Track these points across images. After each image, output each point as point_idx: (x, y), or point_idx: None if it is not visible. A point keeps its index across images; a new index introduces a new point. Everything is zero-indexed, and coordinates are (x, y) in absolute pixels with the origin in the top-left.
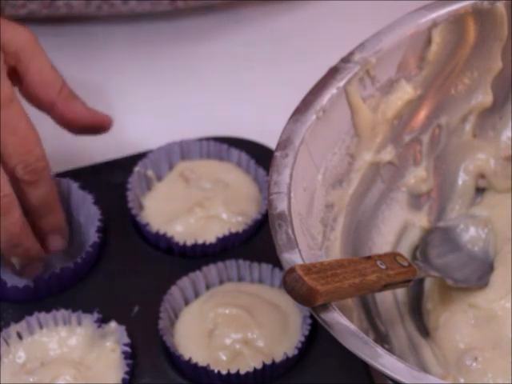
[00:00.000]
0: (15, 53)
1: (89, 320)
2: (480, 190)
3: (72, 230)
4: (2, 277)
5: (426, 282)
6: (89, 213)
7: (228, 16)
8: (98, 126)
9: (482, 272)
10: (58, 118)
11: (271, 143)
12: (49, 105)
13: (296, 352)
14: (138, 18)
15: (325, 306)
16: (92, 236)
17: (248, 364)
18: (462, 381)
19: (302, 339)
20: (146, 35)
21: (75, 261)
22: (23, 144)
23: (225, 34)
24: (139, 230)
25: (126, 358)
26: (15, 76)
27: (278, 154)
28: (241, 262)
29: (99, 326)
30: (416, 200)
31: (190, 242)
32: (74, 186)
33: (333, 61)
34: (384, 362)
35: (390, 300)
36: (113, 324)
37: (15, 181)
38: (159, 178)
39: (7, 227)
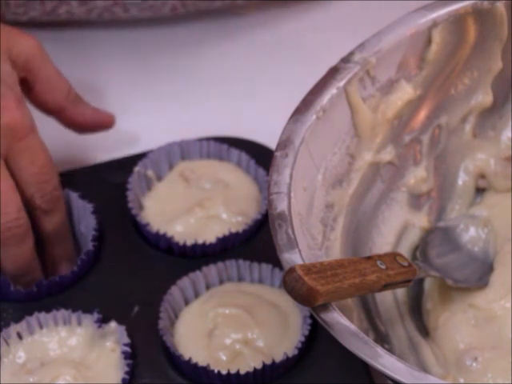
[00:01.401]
0: (25, 63)
1: (89, 320)
2: (480, 190)
3: (73, 239)
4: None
5: (425, 282)
6: (88, 222)
7: (228, 18)
8: (102, 125)
9: (481, 272)
10: (66, 122)
11: (271, 143)
12: (58, 110)
13: (296, 352)
14: (139, 22)
15: (325, 306)
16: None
17: (248, 364)
18: (461, 381)
19: (302, 339)
20: (147, 37)
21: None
22: (41, 173)
23: (225, 35)
24: (139, 230)
25: (126, 358)
26: (24, 85)
27: (278, 153)
28: (241, 262)
29: (99, 326)
30: (416, 200)
31: (190, 242)
32: (74, 196)
33: (333, 61)
34: (384, 362)
35: (389, 300)
36: (113, 324)
37: (30, 209)
38: (159, 178)
39: (20, 255)
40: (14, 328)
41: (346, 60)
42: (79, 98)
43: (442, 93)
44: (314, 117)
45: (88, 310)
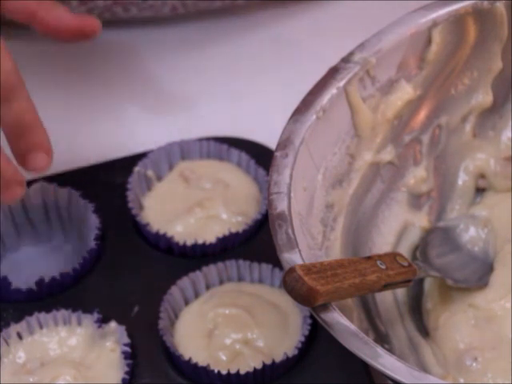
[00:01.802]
0: None
1: (89, 320)
2: (480, 190)
3: (74, 238)
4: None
5: (425, 282)
6: (90, 221)
7: (228, 18)
8: (85, 31)
9: (482, 272)
10: (42, 28)
11: (271, 143)
12: (30, 15)
13: (296, 352)
14: (139, 22)
15: (325, 306)
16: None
17: (248, 364)
18: (461, 381)
19: (302, 339)
20: (147, 37)
21: (73, 267)
22: None
23: (225, 35)
24: (139, 230)
25: (126, 357)
26: None
27: (278, 153)
28: (241, 262)
29: (99, 326)
30: (416, 200)
31: (190, 242)
32: (75, 194)
33: (333, 61)
34: (384, 362)
35: (390, 300)
36: (113, 324)
37: None
38: (159, 178)
39: None
40: (13, 328)
41: (346, 60)
42: (55, 3)
43: (442, 93)
44: (314, 117)
45: (88, 310)
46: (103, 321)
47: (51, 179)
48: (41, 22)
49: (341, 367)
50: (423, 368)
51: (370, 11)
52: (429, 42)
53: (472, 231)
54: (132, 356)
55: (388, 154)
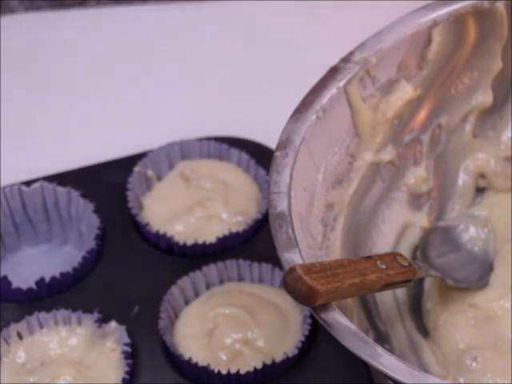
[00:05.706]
0: None
1: (89, 320)
2: (480, 190)
3: (74, 238)
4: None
5: (425, 281)
6: (90, 221)
7: (228, 14)
8: None
9: (482, 272)
10: None
11: (271, 143)
12: None
13: (296, 352)
14: (137, 17)
15: (325, 306)
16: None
17: (248, 364)
18: (461, 380)
19: (302, 339)
20: (147, 34)
21: (73, 266)
22: None
23: (225, 33)
24: (139, 230)
25: (126, 357)
26: None
27: (277, 153)
28: (241, 261)
29: (99, 326)
30: (416, 200)
31: (190, 242)
32: (75, 194)
33: (333, 61)
34: (384, 361)
35: (389, 300)
36: (113, 324)
37: None
38: (159, 178)
39: None
40: (14, 328)
41: (346, 60)
42: None
43: (442, 93)
44: (314, 117)
45: (88, 310)
46: (103, 321)
47: (51, 179)
48: None
49: (341, 367)
50: (423, 368)
51: (371, 11)
52: (429, 41)
53: (472, 231)
54: (132, 356)
55: (388, 154)
